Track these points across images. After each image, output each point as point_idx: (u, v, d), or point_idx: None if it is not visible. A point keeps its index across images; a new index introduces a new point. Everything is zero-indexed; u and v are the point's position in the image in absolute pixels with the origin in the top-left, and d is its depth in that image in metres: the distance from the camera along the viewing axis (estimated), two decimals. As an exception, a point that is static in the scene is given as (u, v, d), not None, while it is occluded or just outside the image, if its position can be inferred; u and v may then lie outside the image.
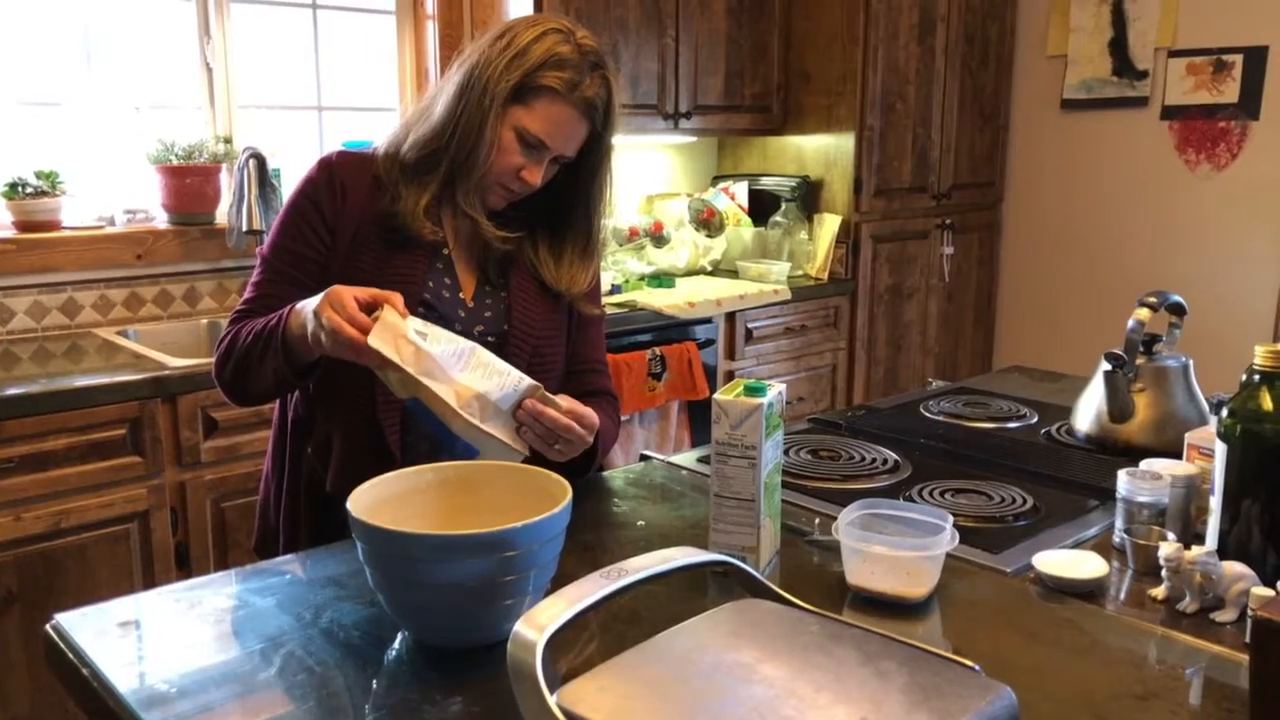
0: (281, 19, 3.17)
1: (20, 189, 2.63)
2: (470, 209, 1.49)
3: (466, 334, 1.49)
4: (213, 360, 1.49)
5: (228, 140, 2.99)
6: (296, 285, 1.45)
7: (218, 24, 2.97)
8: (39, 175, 2.65)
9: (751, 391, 1.22)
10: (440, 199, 1.49)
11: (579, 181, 1.54)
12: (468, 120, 1.42)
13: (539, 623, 0.77)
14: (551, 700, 0.73)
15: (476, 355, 1.32)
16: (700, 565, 0.90)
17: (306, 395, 1.51)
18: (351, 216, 1.48)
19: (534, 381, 1.34)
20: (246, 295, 1.50)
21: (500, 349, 1.50)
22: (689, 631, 0.86)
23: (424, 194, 1.47)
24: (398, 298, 1.29)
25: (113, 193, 2.88)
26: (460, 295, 1.52)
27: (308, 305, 1.32)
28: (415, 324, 1.29)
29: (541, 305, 1.55)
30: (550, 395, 1.34)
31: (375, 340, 1.25)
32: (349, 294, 1.28)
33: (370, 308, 1.28)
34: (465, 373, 1.30)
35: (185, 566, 2.35)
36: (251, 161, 2.84)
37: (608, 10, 3.26)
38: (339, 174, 1.49)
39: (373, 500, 1.10)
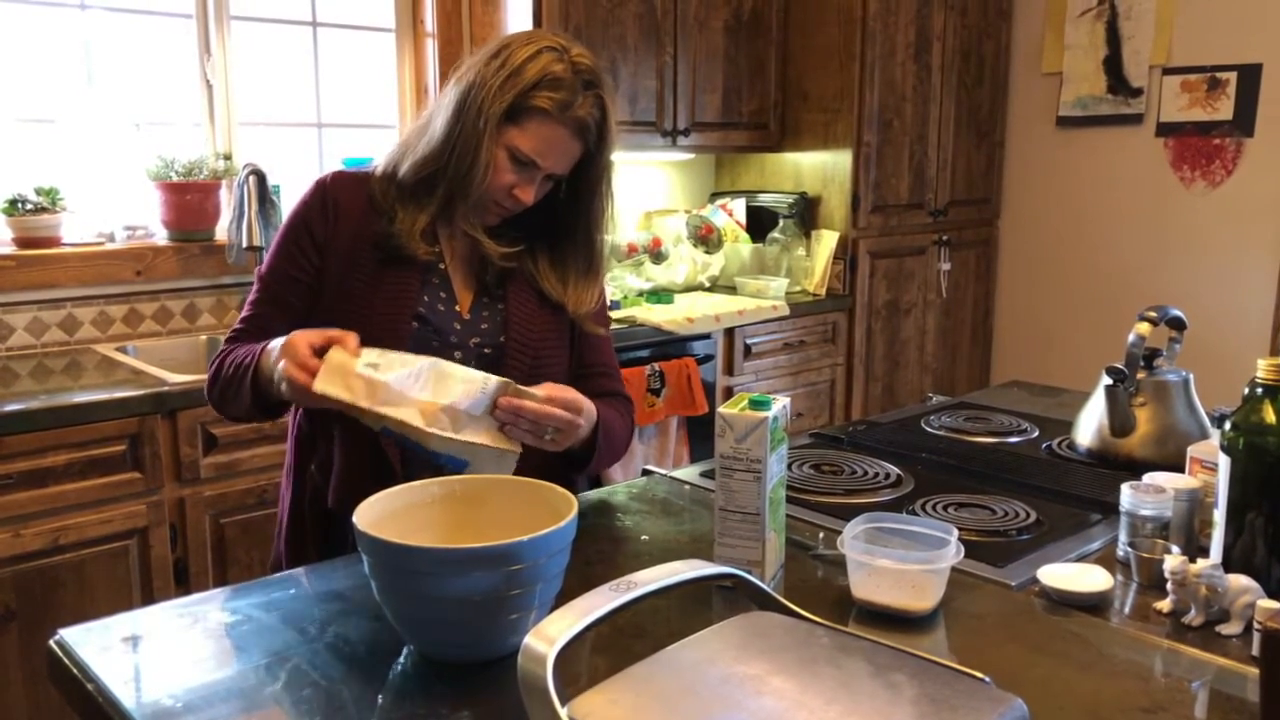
0: (282, 36, 3.18)
1: (20, 205, 2.63)
2: (471, 229, 1.50)
3: (462, 346, 1.50)
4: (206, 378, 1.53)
5: (228, 157, 3.00)
6: (286, 309, 1.49)
7: (218, 41, 2.98)
8: (39, 192, 2.66)
9: (756, 405, 1.22)
10: (436, 218, 1.50)
11: (579, 200, 1.54)
12: (464, 141, 1.43)
13: (549, 635, 0.77)
14: (563, 713, 0.73)
15: (437, 369, 1.31)
16: (709, 578, 0.90)
17: (310, 412, 1.51)
18: (345, 237, 1.48)
19: (502, 379, 1.33)
20: (242, 315, 1.53)
21: (498, 360, 1.50)
22: (698, 644, 0.86)
23: (421, 214, 1.48)
24: (351, 337, 1.31)
25: (113, 209, 2.88)
26: (456, 309, 1.52)
27: (274, 349, 1.35)
28: (369, 356, 1.29)
29: (540, 317, 1.55)
30: (525, 388, 1.34)
31: (322, 384, 1.26)
32: (303, 340, 1.30)
33: (325, 350, 1.30)
34: (426, 390, 1.30)
35: (184, 583, 2.34)
36: (251, 178, 2.85)
37: (606, 28, 3.27)
38: (332, 195, 1.51)
39: (379, 514, 1.10)
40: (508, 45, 1.45)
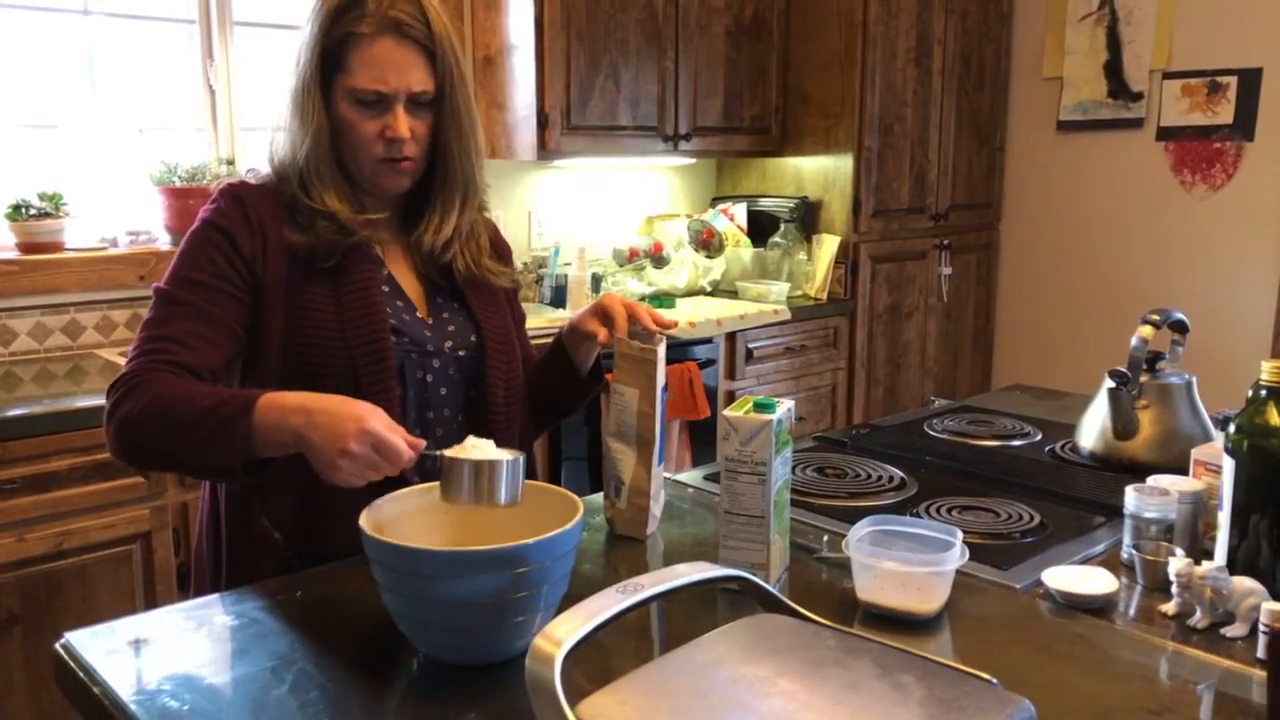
0: (284, 41, 3.18)
1: (24, 210, 2.64)
2: (328, 200, 1.37)
3: (439, 354, 1.42)
4: (111, 402, 1.25)
5: (230, 162, 3.00)
6: (217, 325, 1.30)
7: (220, 46, 2.98)
8: (42, 197, 2.66)
9: (761, 408, 1.22)
10: (354, 210, 1.39)
11: (439, 123, 1.40)
12: (306, 119, 1.35)
13: (557, 637, 0.77)
14: (571, 715, 0.73)
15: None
16: (716, 580, 0.90)
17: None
18: (275, 258, 1.34)
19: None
20: (151, 334, 1.28)
21: (478, 361, 1.44)
22: (706, 646, 0.86)
23: (340, 206, 1.37)
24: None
25: (115, 214, 2.88)
26: (417, 314, 1.43)
27: (298, 412, 1.17)
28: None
29: (495, 302, 1.50)
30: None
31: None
32: (398, 431, 1.16)
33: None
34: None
35: (186, 587, 2.34)
36: (254, 183, 2.85)
37: (608, 32, 3.28)
38: (254, 210, 1.36)
39: (384, 517, 1.10)
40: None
